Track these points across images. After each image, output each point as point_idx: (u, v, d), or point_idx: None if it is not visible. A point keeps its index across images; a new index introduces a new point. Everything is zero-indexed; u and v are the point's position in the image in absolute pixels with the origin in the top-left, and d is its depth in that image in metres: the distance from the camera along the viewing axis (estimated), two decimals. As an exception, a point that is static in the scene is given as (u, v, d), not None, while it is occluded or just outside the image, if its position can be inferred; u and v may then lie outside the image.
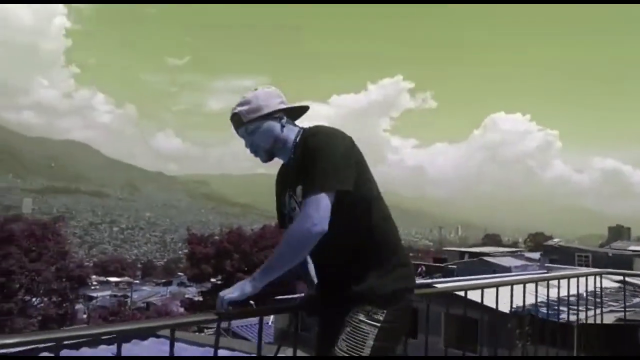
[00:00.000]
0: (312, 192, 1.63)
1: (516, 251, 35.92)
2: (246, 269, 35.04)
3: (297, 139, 1.81)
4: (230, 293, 1.63)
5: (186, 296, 46.56)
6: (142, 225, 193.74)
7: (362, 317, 1.66)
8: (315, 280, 1.93)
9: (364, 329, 1.65)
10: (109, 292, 54.39)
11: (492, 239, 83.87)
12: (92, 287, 59.44)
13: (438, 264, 28.63)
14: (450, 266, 25.84)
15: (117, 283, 62.75)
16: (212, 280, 37.64)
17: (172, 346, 1.66)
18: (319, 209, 1.61)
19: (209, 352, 3.93)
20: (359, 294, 1.69)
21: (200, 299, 38.88)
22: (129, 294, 47.88)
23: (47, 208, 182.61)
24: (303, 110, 1.94)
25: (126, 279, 64.68)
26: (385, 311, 1.67)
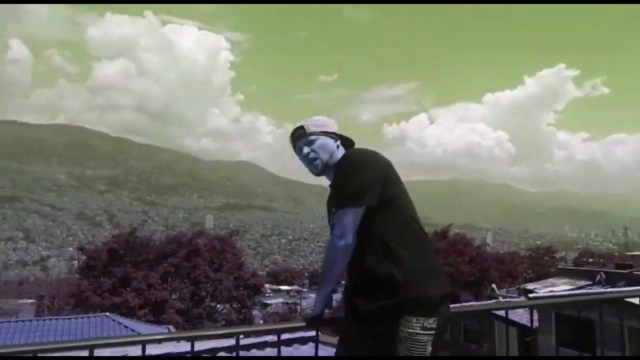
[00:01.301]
0: (337, 210, 1.89)
1: None
2: (405, 277, 35.04)
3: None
4: (309, 314, 2.02)
5: (350, 304, 47.89)
6: (306, 236, 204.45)
7: (418, 330, 1.77)
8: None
9: (422, 339, 1.78)
10: (281, 300, 58.23)
11: (695, 240, 70.85)
12: (266, 295, 64.58)
13: (621, 271, 25.33)
14: (635, 273, 22.69)
15: (288, 291, 66.84)
16: (373, 288, 38.32)
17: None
18: (343, 225, 1.84)
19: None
20: (412, 300, 1.79)
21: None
22: (298, 302, 50.70)
23: (225, 223, 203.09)
24: (351, 142, 2.16)
25: (295, 287, 68.61)
26: (435, 319, 1.80)
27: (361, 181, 1.87)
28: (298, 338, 5.00)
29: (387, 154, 2.05)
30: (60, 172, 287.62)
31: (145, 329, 15.59)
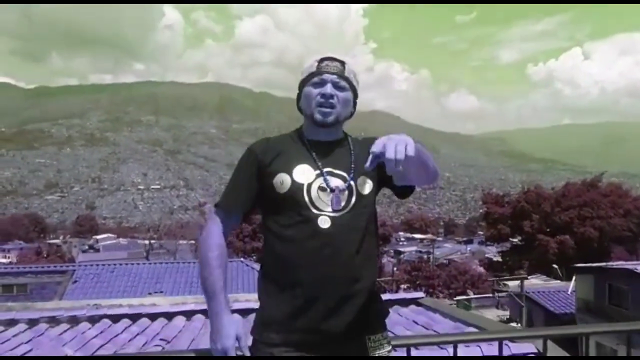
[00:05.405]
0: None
1: None
2: (548, 230, 32.63)
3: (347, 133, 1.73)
4: None
5: (486, 255, 46.40)
6: (442, 184, 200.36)
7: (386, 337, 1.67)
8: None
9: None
10: (414, 248, 58.43)
11: None
12: (400, 243, 65.22)
13: None
14: None
15: (421, 240, 66.78)
16: (512, 240, 36.37)
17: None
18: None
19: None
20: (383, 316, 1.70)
21: (499, 259, 38.17)
22: (431, 251, 50.44)
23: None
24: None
25: (429, 236, 68.11)
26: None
27: None
28: (399, 299, 4.90)
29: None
30: (211, 126, 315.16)
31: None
